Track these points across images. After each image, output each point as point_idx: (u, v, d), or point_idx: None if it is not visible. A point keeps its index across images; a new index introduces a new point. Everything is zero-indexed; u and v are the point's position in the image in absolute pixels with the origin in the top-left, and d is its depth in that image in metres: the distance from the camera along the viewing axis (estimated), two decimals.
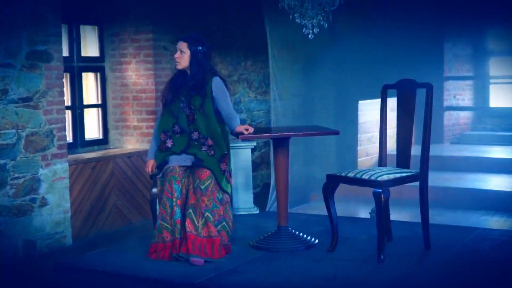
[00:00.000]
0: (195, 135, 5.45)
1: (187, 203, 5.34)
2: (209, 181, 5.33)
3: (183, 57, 5.48)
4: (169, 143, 5.49)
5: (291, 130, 6.06)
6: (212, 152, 5.40)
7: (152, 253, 5.37)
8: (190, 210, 5.31)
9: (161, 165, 5.45)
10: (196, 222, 5.29)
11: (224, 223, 5.41)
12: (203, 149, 5.40)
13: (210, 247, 5.28)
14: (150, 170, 5.61)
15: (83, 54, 7.57)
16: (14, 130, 6.11)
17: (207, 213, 5.31)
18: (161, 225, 5.35)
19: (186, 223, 5.28)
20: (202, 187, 5.32)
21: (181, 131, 5.49)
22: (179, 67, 5.51)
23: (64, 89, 6.66)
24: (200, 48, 5.48)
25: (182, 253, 5.28)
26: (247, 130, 5.49)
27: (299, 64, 8.85)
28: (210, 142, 5.43)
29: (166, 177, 5.37)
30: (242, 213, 7.30)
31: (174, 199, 5.32)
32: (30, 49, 6.24)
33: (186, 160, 5.41)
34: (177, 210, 5.33)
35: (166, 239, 5.34)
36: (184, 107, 5.46)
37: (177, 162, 5.40)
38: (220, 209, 5.39)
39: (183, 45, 5.48)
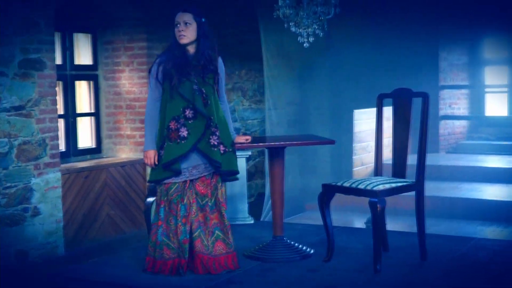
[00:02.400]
0: (209, 121, 5.03)
1: (194, 221, 5.10)
2: (215, 193, 5.15)
3: (188, 29, 5.03)
4: (184, 132, 4.98)
5: (286, 139, 6.02)
6: (223, 148, 5.09)
7: (150, 269, 5.20)
8: (199, 231, 5.11)
9: (175, 161, 4.97)
10: (206, 242, 5.13)
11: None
12: (212, 142, 5.02)
13: (224, 262, 5.19)
14: (152, 162, 5.06)
15: (76, 62, 7.52)
16: (6, 139, 6.06)
17: (217, 232, 5.15)
18: (162, 242, 5.11)
19: (197, 243, 5.08)
20: (210, 203, 5.12)
21: (194, 116, 5.00)
22: (185, 41, 5.03)
23: (57, 97, 6.62)
24: (204, 20, 5.11)
25: (193, 272, 5.14)
26: (247, 140, 5.40)
27: (294, 73, 8.83)
28: (218, 132, 5.05)
29: (169, 192, 5.09)
30: (236, 223, 7.24)
31: (180, 218, 5.07)
32: (23, 57, 6.19)
33: (195, 168, 5.07)
34: (184, 229, 5.06)
35: (166, 256, 5.10)
36: (197, 90, 5.00)
37: (184, 176, 5.05)
38: (227, 221, 5.25)
39: (187, 17, 5.05)
